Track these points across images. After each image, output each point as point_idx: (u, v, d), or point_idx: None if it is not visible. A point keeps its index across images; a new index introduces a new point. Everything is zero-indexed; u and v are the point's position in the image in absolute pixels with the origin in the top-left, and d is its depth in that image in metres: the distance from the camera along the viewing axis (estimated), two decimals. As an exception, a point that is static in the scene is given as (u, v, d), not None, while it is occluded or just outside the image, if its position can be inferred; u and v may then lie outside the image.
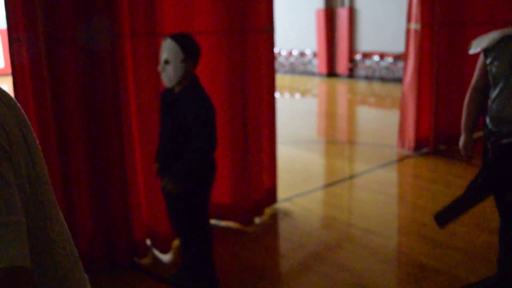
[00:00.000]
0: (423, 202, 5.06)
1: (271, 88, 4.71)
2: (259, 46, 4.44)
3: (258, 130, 4.49)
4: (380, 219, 4.59)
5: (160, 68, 3.01)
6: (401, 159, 6.59)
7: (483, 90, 2.90)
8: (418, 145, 6.70)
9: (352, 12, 15.93)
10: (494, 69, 2.74)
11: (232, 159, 4.28)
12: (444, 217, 3.12)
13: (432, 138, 6.68)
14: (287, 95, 14.32)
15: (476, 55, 3.07)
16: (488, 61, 2.79)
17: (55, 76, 3.35)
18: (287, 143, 7.55)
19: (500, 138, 2.65)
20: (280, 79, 17.16)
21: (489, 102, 2.78)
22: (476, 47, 2.89)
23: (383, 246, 4.06)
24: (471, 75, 7.56)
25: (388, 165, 6.37)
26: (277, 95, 12.99)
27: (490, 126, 2.72)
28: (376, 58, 15.26)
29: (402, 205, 5.18)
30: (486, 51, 2.79)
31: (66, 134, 3.45)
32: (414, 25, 6.47)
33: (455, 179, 5.66)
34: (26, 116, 1.10)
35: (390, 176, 6.09)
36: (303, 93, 14.82)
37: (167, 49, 2.96)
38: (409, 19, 6.51)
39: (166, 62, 2.96)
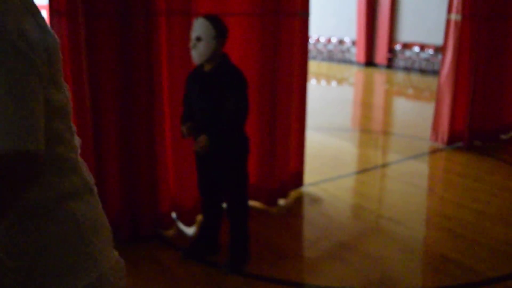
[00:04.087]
0: (451, 195, 5.01)
1: (303, 73, 4.71)
2: (292, 30, 4.44)
3: (287, 113, 4.52)
4: (406, 210, 4.57)
5: (191, 44, 3.14)
6: (433, 152, 6.51)
7: None
8: (452, 139, 6.59)
9: (394, 1, 15.64)
10: None
11: (259, 139, 4.33)
12: None
13: (466, 132, 6.56)
14: (323, 82, 14.25)
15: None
16: None
17: (91, 49, 3.46)
18: (320, 130, 7.57)
19: None
20: (318, 66, 17.10)
21: None
22: None
23: (406, 237, 4.05)
24: (511, 71, 7.27)
25: (419, 157, 6.30)
26: (312, 81, 12.84)
27: None
28: (416, 49, 14.97)
29: (430, 197, 5.13)
30: None
31: (99, 105, 3.57)
32: (455, 16, 6.33)
33: (486, 175, 5.56)
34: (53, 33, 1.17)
35: (420, 168, 6.03)
36: (340, 81, 14.70)
37: (200, 27, 3.11)
38: (449, 10, 6.37)
39: (198, 39, 3.10)
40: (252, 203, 4.50)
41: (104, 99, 3.59)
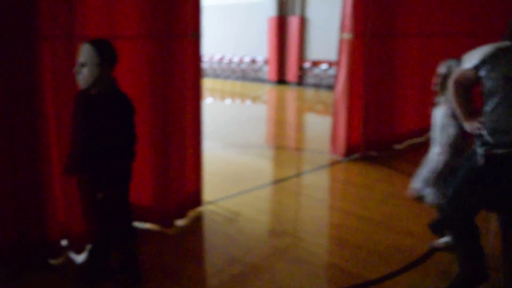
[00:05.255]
0: (343, 205, 5.27)
1: (197, 93, 4.80)
2: (184, 51, 4.52)
3: (182, 134, 4.56)
4: (299, 222, 4.77)
5: (76, 70, 3.16)
6: (331, 164, 6.80)
7: (467, 89, 3.12)
8: (349, 151, 6.93)
9: (303, 21, 16.26)
10: (489, 83, 2.97)
11: (152, 161, 4.35)
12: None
13: (362, 144, 6.93)
14: (238, 101, 14.47)
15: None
16: (482, 74, 2.99)
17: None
18: (229, 147, 7.70)
19: (493, 148, 2.94)
20: (232, 85, 17.35)
21: (485, 114, 3.00)
22: (470, 61, 3.07)
23: (296, 247, 4.21)
24: (401, 86, 7.84)
25: (318, 170, 6.56)
26: (227, 100, 12.93)
27: (486, 137, 2.96)
28: (324, 66, 15.62)
29: (323, 208, 5.35)
30: (480, 65, 2.99)
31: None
32: (347, 35, 6.70)
33: (377, 183, 5.90)
34: None
35: (318, 180, 6.27)
36: (254, 99, 15.00)
37: (84, 53, 3.12)
38: (342, 29, 6.74)
39: (82, 65, 3.13)
40: (147, 225, 4.49)
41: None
